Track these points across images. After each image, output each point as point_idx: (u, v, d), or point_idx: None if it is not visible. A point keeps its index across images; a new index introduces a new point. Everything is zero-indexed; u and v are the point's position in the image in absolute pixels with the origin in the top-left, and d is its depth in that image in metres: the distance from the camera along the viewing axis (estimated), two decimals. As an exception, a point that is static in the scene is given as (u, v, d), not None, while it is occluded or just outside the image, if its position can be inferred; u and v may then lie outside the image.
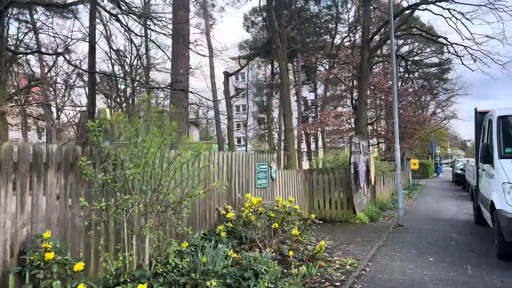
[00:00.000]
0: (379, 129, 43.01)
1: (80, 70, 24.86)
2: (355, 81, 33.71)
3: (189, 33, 10.69)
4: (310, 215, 6.90)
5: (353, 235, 8.79)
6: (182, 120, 9.99)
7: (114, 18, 10.89)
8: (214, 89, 33.48)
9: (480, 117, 9.18)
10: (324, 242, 6.17)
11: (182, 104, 10.05)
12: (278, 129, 39.73)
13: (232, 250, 5.51)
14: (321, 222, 7.59)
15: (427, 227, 9.95)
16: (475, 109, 9.49)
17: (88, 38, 18.80)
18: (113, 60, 31.11)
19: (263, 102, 43.59)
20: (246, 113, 54.17)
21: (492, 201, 6.85)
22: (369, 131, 41.53)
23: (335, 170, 11.01)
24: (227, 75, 36.75)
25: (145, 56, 30.07)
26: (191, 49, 10.51)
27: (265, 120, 42.74)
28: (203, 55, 14.20)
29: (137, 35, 10.48)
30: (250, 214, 6.46)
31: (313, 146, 43.63)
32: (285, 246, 6.46)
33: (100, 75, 25.67)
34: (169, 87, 10.05)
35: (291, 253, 5.90)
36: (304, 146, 47.05)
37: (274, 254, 6.03)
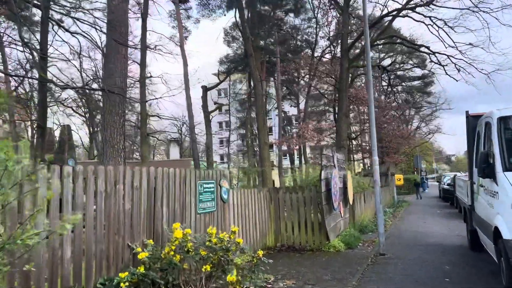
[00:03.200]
0: (363, 143, 41.79)
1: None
2: (337, 95, 32.53)
3: (127, 27, 9.03)
4: (256, 252, 5.16)
5: (323, 269, 7.05)
6: (115, 130, 8.24)
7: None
8: (189, 103, 31.56)
9: (473, 121, 7.66)
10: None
11: (116, 110, 8.30)
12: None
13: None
14: (272, 253, 5.82)
15: (414, 256, 8.28)
16: (467, 112, 7.98)
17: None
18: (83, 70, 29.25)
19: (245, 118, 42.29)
20: (229, 129, 52.72)
21: (496, 227, 5.24)
22: (353, 145, 40.22)
23: (304, 188, 9.33)
24: (205, 89, 35.10)
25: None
26: (129, 46, 8.86)
27: (246, 136, 41.13)
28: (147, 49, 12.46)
29: (68, 31, 8.72)
30: (172, 252, 4.70)
31: (297, 162, 42.23)
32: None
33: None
34: (85, 88, 8.23)
35: (220, 311, 4.15)
36: (288, 162, 45.67)
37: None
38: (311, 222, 9.12)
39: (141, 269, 4.53)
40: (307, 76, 35.11)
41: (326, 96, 35.50)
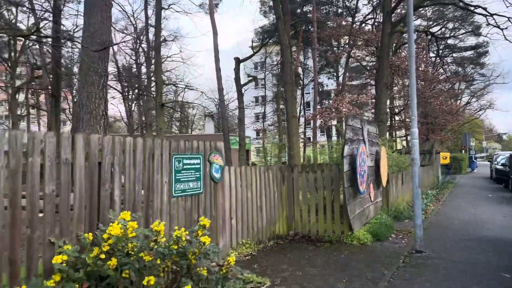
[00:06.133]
0: (407, 119, 38.87)
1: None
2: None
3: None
4: (226, 258, 3.63)
5: (338, 271, 5.47)
6: (94, 93, 6.89)
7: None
8: (219, 75, 30.20)
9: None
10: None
11: (95, 69, 6.92)
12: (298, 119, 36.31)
13: None
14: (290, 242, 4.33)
15: (461, 256, 6.48)
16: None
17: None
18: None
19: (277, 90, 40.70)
20: (264, 103, 51.06)
21: None
22: (396, 121, 37.63)
23: (324, 166, 7.67)
24: (238, 61, 33.45)
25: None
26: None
27: (277, 110, 39.30)
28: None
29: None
30: (103, 255, 3.30)
31: (334, 138, 40.27)
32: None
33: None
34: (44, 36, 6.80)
35: None
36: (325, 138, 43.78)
37: None
38: (331, 207, 7.50)
39: (56, 279, 3.17)
40: (346, 45, 32.60)
41: (367, 68, 32.94)
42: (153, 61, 17.34)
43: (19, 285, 3.01)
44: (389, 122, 31.60)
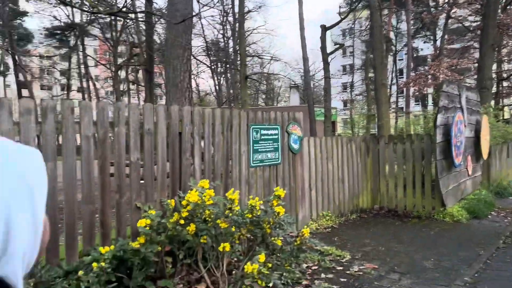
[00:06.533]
0: (518, 85, 34.39)
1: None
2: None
3: None
4: (301, 230, 3.54)
5: (426, 249, 5.10)
6: (178, 66, 7.13)
7: None
8: (304, 44, 29.44)
9: None
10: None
11: (179, 42, 7.11)
12: (389, 88, 34.29)
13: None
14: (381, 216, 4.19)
15: None
16: None
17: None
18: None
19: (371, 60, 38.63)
20: (352, 71, 49.04)
21: None
22: (504, 88, 33.69)
23: (414, 137, 7.12)
24: (324, 29, 32.22)
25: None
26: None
27: (365, 78, 37.29)
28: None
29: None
30: (182, 221, 3.44)
31: (430, 107, 37.42)
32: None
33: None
34: (122, 11, 7.07)
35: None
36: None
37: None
38: (421, 181, 6.99)
39: (141, 241, 3.39)
40: (446, 4, 29.48)
41: (469, 29, 29.54)
42: (237, 33, 17.52)
43: (109, 245, 3.28)
44: (495, 88, 28.31)
